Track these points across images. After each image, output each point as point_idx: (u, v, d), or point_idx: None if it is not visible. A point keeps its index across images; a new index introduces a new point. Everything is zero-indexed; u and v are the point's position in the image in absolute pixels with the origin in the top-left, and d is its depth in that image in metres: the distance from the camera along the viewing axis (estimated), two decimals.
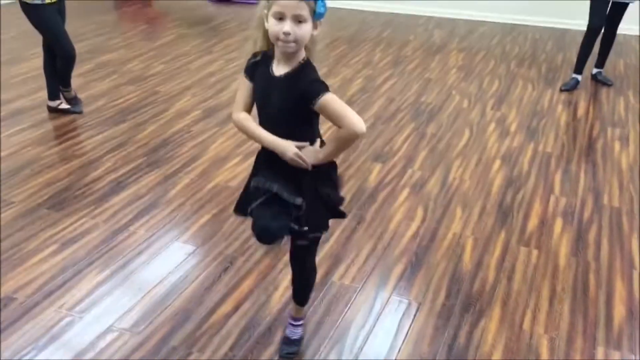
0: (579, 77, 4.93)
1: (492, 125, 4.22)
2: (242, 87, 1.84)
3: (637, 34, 6.37)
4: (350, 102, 4.55)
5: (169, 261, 2.72)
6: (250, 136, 1.84)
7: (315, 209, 1.86)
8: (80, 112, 4.19)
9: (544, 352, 2.24)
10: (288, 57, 1.73)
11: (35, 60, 4.88)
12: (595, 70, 5.08)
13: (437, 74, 5.25)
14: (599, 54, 5.01)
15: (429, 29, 6.70)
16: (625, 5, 4.70)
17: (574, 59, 5.00)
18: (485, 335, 2.31)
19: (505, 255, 2.81)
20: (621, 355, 2.23)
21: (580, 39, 4.92)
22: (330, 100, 1.69)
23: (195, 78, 4.96)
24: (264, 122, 1.81)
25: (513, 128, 4.18)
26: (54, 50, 4.01)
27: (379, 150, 3.79)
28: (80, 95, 4.38)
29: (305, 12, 1.63)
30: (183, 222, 3.01)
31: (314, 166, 1.80)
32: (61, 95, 4.21)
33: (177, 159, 3.62)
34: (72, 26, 3.96)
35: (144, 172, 3.46)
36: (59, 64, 4.07)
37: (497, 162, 3.69)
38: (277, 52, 1.74)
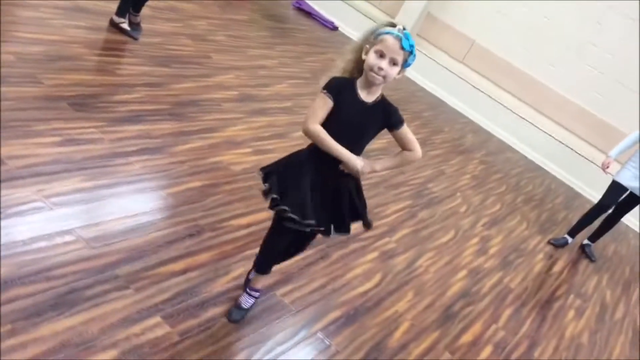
0: (570, 240, 5.16)
1: (476, 239, 4.41)
2: (323, 105, 2.14)
3: (638, 230, 6.64)
4: (367, 155, 4.74)
5: (147, 203, 2.86)
6: (326, 145, 2.15)
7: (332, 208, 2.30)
8: (136, 39, 4.36)
9: None
10: (371, 87, 2.14)
11: None
12: (586, 242, 5.31)
13: (452, 171, 5.47)
14: (597, 229, 5.25)
15: (465, 129, 6.97)
16: (638, 199, 4.96)
17: (574, 221, 5.24)
18: None
19: (429, 352, 2.95)
20: None
21: (587, 207, 5.16)
22: (407, 129, 2.23)
23: (248, 63, 5.16)
24: (340, 137, 2.15)
25: (492, 251, 4.37)
26: None
27: (370, 209, 3.95)
28: (143, 25, 4.56)
29: (400, 58, 2.08)
30: (175, 178, 3.15)
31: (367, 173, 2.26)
32: (128, 16, 4.39)
33: (198, 121, 3.79)
34: None
35: (164, 118, 3.62)
36: None
37: (463, 272, 3.87)
38: (363, 81, 2.14)
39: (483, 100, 7.44)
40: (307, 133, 2.16)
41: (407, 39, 2.07)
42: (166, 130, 3.51)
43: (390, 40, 2.06)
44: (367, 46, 2.10)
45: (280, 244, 2.41)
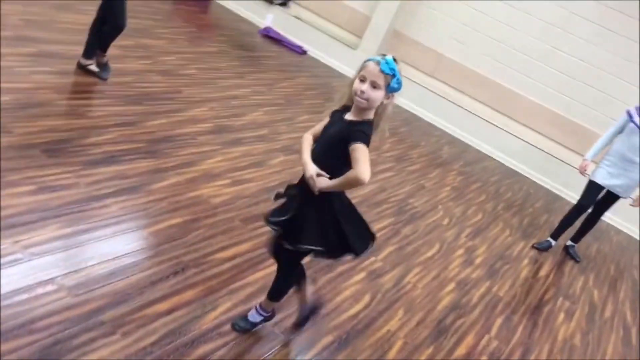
0: (553, 242, 5.20)
1: (461, 251, 4.43)
2: (322, 122, 2.41)
3: (619, 227, 6.72)
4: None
5: (128, 244, 2.83)
6: (300, 149, 2.37)
7: (306, 226, 2.35)
8: (105, 79, 4.35)
9: None
10: (359, 110, 2.26)
11: (85, 17, 5.07)
12: (569, 243, 5.36)
13: (432, 185, 5.51)
14: (578, 230, 5.31)
15: (440, 142, 7.03)
16: (617, 197, 5.03)
17: (556, 224, 5.29)
18: None
19: None
20: None
21: (567, 209, 5.22)
22: (358, 148, 2.17)
23: (220, 94, 5.17)
24: (315, 148, 2.34)
25: (478, 261, 4.39)
26: (107, 16, 4.22)
27: None
28: (113, 66, 4.55)
29: (381, 81, 2.20)
30: (155, 216, 3.13)
31: (320, 191, 2.27)
32: (95, 57, 4.38)
33: (174, 157, 3.77)
34: (131, 3, 4.16)
35: (139, 156, 3.60)
36: (106, 29, 4.27)
37: (452, 285, 3.88)
38: (354, 105, 2.28)
39: (456, 111, 7.52)
40: (302, 138, 2.42)
41: (387, 63, 2.20)
42: (142, 168, 3.49)
43: (370, 66, 2.21)
44: (356, 73, 2.27)
45: (294, 273, 2.60)
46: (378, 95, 2.20)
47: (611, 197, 5.05)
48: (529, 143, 7.25)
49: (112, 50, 4.48)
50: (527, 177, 7.16)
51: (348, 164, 2.19)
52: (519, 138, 7.29)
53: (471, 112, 7.48)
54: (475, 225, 5.02)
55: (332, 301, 3.12)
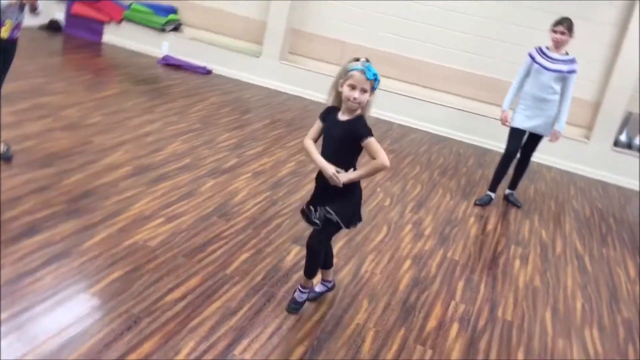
0: (493, 195, 5.33)
1: (409, 227, 4.46)
2: (315, 125, 2.89)
3: (549, 164, 6.96)
4: (279, 183, 4.72)
5: (71, 313, 2.68)
6: (310, 155, 2.85)
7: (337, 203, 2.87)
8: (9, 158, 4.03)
9: None
10: (351, 112, 2.75)
11: None
12: (507, 191, 5.50)
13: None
14: (513, 176, 5.45)
15: None
16: (540, 137, 5.19)
17: (491, 177, 5.41)
18: None
19: (401, 352, 2.93)
20: None
21: (498, 160, 5.35)
22: (372, 141, 2.73)
23: (132, 135, 5.02)
24: (325, 150, 2.82)
25: (427, 232, 4.44)
26: None
27: (299, 234, 3.92)
28: (11, 134, 4.32)
29: (368, 86, 2.68)
30: (93, 275, 2.99)
31: (343, 184, 2.78)
32: None
33: (98, 211, 3.62)
34: (15, 64, 3.97)
35: (61, 219, 3.43)
36: None
37: (408, 262, 3.90)
38: (344, 108, 2.76)
39: None
40: (303, 146, 2.90)
41: (369, 70, 2.67)
42: (68, 230, 3.33)
43: (357, 75, 2.66)
44: (341, 81, 2.72)
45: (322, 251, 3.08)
46: (366, 97, 2.69)
47: (534, 138, 5.21)
48: (448, 106, 7.41)
49: (6, 118, 4.26)
50: (454, 140, 7.30)
51: (353, 155, 2.81)
52: (437, 104, 7.44)
53: (386, 90, 7.56)
54: (416, 199, 5.07)
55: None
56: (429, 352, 2.98)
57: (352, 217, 2.94)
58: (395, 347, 2.96)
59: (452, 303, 3.51)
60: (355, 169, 2.83)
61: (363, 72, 2.65)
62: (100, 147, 4.61)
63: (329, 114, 2.84)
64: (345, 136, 2.75)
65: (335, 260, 3.37)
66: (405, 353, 2.93)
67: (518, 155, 5.29)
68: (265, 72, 7.95)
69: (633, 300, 4.06)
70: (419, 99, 7.47)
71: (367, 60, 2.70)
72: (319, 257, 3.02)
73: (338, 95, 2.78)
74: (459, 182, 5.75)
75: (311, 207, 2.94)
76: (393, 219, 4.55)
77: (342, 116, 2.77)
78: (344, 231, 4.07)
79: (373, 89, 2.70)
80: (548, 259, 4.44)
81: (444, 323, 3.27)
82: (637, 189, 6.82)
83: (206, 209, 3.97)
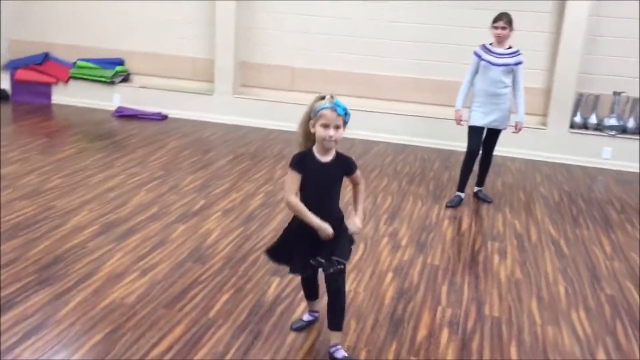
0: (462, 195, 5.38)
1: (385, 239, 4.47)
2: (294, 179, 2.72)
3: (513, 155, 7.07)
4: (250, 217, 4.69)
5: None
6: (303, 215, 2.71)
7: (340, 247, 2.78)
8: None
9: None
10: (328, 150, 2.72)
11: None
12: (476, 189, 5.57)
13: None
14: (479, 173, 5.52)
15: None
16: (498, 131, 5.28)
17: (457, 177, 5.47)
18: None
19: None
20: None
21: (462, 160, 5.41)
22: (358, 173, 2.87)
23: (94, 193, 4.95)
24: (311, 199, 2.73)
25: (404, 242, 4.45)
26: None
27: (277, 266, 3.88)
28: None
29: (340, 122, 2.65)
30: (72, 343, 2.91)
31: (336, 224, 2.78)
32: None
33: (70, 276, 3.54)
34: None
35: (33, 291, 3.35)
36: None
37: (390, 275, 3.89)
38: (319, 148, 2.71)
39: None
40: (289, 205, 2.76)
41: (339, 106, 2.64)
42: (41, 301, 3.24)
43: (327, 113, 2.62)
44: (312, 122, 2.69)
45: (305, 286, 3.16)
46: (341, 133, 2.67)
47: (493, 133, 5.30)
48: (405, 114, 7.49)
49: None
50: (417, 146, 7.37)
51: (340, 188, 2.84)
52: (394, 114, 7.52)
53: None
54: (388, 210, 5.09)
55: (284, 345, 3.02)
56: None
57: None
58: None
59: (439, 309, 3.51)
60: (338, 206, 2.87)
61: (333, 109, 2.62)
62: (63, 210, 4.53)
63: (303, 162, 2.72)
64: (335, 177, 2.77)
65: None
66: None
67: (480, 152, 5.37)
68: (220, 109, 7.95)
69: (613, 276, 4.12)
70: (376, 112, 7.54)
71: (332, 97, 2.67)
72: (345, 296, 2.97)
73: (308, 136, 2.74)
74: (428, 188, 5.79)
75: (319, 259, 2.74)
76: (368, 234, 4.55)
77: (323, 157, 2.73)
78: None
79: (345, 123, 2.68)
80: (525, 249, 4.48)
81: (433, 330, 3.27)
82: (599, 166, 6.97)
83: (180, 256, 3.92)
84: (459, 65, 6.89)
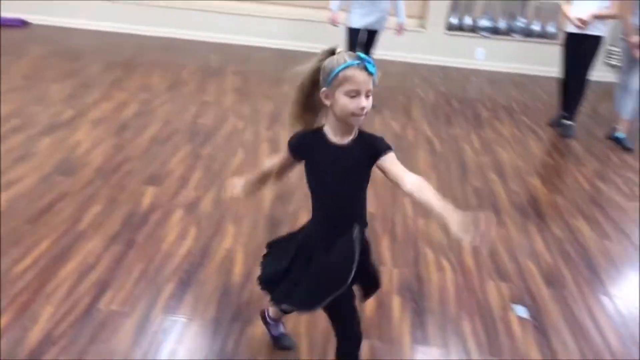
0: None
1: (265, 144, 4.44)
2: (281, 158, 1.93)
3: (392, 59, 7.16)
4: (125, 126, 4.47)
5: None
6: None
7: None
8: None
9: (304, 347, 2.41)
10: (350, 129, 1.79)
11: None
12: None
13: (213, 97, 5.38)
14: None
15: (204, 53, 6.83)
16: (376, 32, 5.29)
17: None
18: (252, 342, 2.42)
19: None
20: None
21: None
22: (394, 155, 1.81)
23: None
24: (323, 196, 1.87)
25: (284, 146, 4.42)
26: None
27: (152, 173, 3.77)
28: None
29: (371, 85, 1.73)
30: None
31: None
32: None
33: None
34: None
35: None
36: None
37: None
38: (337, 126, 1.79)
39: (202, 18, 7.29)
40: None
41: (369, 62, 1.73)
42: None
43: (357, 75, 1.71)
44: (325, 90, 1.75)
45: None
46: (371, 101, 1.75)
47: (372, 35, 5.31)
48: (286, 18, 7.30)
49: None
50: (297, 50, 7.26)
51: (367, 184, 1.88)
52: (272, 18, 7.30)
53: (222, 12, 7.30)
54: (269, 116, 5.03)
55: (160, 251, 2.97)
56: None
57: None
58: None
59: None
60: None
61: (363, 67, 1.71)
62: None
63: (307, 144, 1.86)
64: (357, 166, 1.83)
65: (195, 192, 3.28)
66: None
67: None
68: (92, 14, 7.35)
69: (480, 170, 4.37)
70: (257, 16, 7.30)
71: (352, 52, 1.79)
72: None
73: (307, 111, 1.86)
74: None
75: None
76: (249, 139, 4.49)
77: (339, 139, 1.81)
78: (201, 164, 3.98)
79: (374, 85, 1.77)
80: (402, 148, 4.62)
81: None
82: (473, 67, 7.24)
83: (46, 168, 3.69)
84: None
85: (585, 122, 5.62)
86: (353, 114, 1.73)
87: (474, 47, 7.24)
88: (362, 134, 1.83)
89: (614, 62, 5.11)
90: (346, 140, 1.81)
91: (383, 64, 6.89)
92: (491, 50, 7.23)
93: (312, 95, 1.82)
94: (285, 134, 4.58)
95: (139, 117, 4.69)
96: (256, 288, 2.71)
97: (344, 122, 1.77)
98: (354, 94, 1.71)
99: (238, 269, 2.90)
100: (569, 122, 5.29)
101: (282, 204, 3.58)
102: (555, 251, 3.34)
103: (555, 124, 5.42)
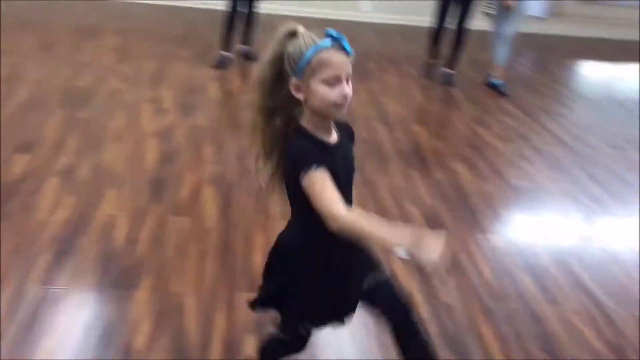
0: (228, 55, 5.28)
1: (148, 105, 4.27)
2: (325, 179, 1.42)
3: (281, 13, 7.06)
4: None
5: None
6: (369, 232, 1.38)
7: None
8: None
9: (191, 306, 2.38)
10: (329, 123, 1.52)
11: None
12: (242, 48, 5.47)
13: (91, 57, 5.10)
14: (244, 31, 5.42)
15: (82, 10, 6.43)
16: None
17: (222, 37, 5.32)
18: (136, 306, 2.36)
19: (158, 228, 2.89)
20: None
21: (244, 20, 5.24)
22: None
23: None
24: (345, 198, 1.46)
25: (167, 106, 4.30)
26: None
27: (24, 141, 3.53)
28: None
29: (351, 68, 1.46)
30: None
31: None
32: None
33: None
34: None
35: None
36: None
37: (152, 140, 3.76)
38: (316, 122, 1.49)
39: None
40: (343, 224, 1.38)
41: (343, 39, 1.45)
42: None
43: (335, 56, 1.43)
44: (295, 82, 1.44)
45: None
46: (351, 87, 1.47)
47: None
48: None
49: None
50: (182, 7, 6.99)
51: None
52: None
53: None
54: (151, 76, 4.85)
55: (33, 222, 2.80)
56: (187, 220, 2.98)
57: None
58: (150, 225, 2.89)
59: (204, 167, 3.51)
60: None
61: (339, 47, 1.45)
62: None
63: (317, 151, 1.47)
64: (353, 161, 1.63)
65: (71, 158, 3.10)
66: (163, 227, 2.88)
67: (246, 10, 5.24)
68: None
69: (366, 121, 4.45)
70: None
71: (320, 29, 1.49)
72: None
73: (275, 111, 1.51)
74: (194, 50, 5.59)
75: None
76: (130, 101, 4.31)
77: (327, 136, 1.53)
78: (77, 129, 3.76)
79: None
80: None
81: (198, 189, 3.27)
82: (361, 20, 7.29)
83: None
84: None
85: (466, 70, 5.85)
86: (335, 105, 1.44)
87: None
88: (338, 125, 1.58)
89: (490, 11, 5.31)
90: (334, 136, 1.55)
91: (269, 18, 6.78)
92: (379, 1, 7.30)
93: (276, 92, 1.49)
94: (169, 94, 4.46)
95: (5, 82, 4.36)
96: (141, 252, 2.68)
97: (325, 116, 1.48)
98: (334, 81, 1.43)
99: (120, 234, 2.80)
100: (450, 71, 5.48)
101: (165, 164, 3.48)
102: (436, 195, 3.49)
103: (426, 74, 5.58)
